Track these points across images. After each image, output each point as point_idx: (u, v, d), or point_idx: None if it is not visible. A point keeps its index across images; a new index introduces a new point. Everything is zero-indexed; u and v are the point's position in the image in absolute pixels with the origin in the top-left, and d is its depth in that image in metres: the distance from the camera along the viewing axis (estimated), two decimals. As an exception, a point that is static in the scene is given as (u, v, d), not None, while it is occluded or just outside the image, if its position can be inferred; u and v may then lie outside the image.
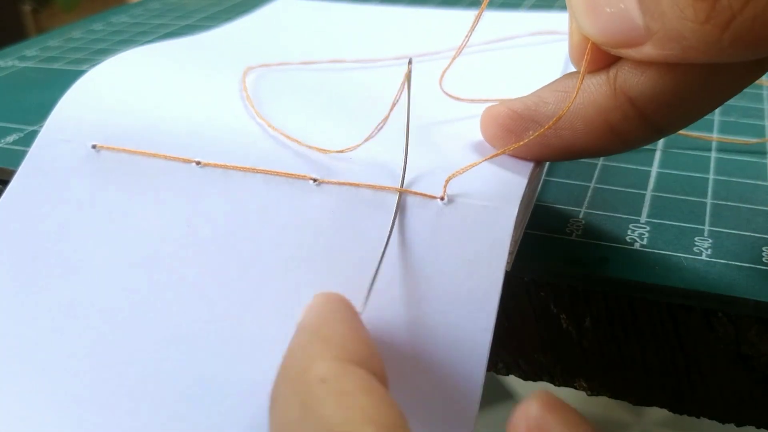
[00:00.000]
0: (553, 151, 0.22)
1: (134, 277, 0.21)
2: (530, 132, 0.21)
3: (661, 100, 0.20)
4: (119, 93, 0.25)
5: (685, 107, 0.20)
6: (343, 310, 0.18)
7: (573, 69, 0.22)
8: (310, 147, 0.23)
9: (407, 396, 0.18)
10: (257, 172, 0.22)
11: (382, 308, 0.19)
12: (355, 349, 0.17)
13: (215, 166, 0.22)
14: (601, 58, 0.20)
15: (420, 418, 0.18)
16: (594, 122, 0.21)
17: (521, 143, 0.22)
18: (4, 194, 0.23)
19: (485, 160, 0.22)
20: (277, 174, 0.22)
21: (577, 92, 0.21)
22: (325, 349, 0.16)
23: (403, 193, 0.21)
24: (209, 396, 0.19)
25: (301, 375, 0.16)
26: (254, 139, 0.23)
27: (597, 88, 0.20)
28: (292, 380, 0.16)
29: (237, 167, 0.22)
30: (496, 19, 0.39)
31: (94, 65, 0.26)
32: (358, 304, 0.19)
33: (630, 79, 0.20)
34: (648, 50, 0.19)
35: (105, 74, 0.26)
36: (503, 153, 0.22)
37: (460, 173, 0.21)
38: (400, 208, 0.21)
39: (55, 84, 0.39)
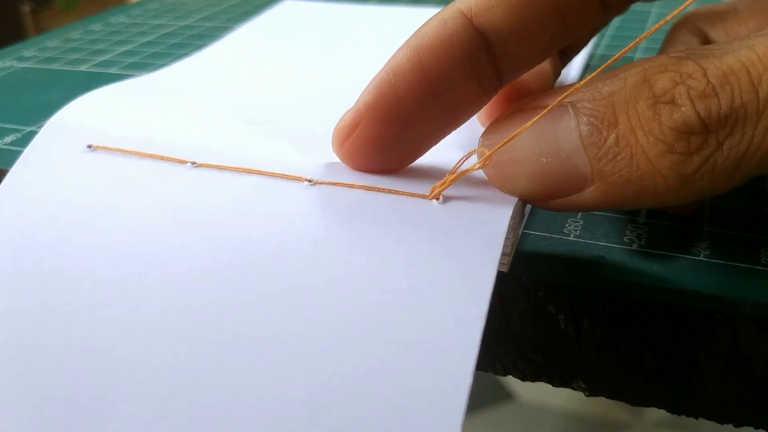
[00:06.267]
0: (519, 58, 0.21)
1: (121, 274, 0.21)
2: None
3: None
4: (118, 104, 0.25)
5: None
6: None
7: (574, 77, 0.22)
8: (307, 151, 0.23)
9: (393, 392, 0.18)
10: (252, 173, 0.22)
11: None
12: None
13: (210, 166, 0.22)
14: None
15: (406, 415, 0.18)
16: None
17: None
18: None
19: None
20: (273, 175, 0.22)
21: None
22: None
23: (403, 194, 0.21)
24: (199, 387, 0.19)
25: None
26: (252, 145, 0.23)
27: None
28: None
29: (232, 168, 0.22)
30: None
31: (92, 65, 0.26)
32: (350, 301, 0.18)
33: None
34: (588, 196, 0.19)
35: (103, 93, 0.26)
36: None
37: (452, 177, 0.21)
38: (394, 207, 0.21)
39: (53, 84, 0.39)
